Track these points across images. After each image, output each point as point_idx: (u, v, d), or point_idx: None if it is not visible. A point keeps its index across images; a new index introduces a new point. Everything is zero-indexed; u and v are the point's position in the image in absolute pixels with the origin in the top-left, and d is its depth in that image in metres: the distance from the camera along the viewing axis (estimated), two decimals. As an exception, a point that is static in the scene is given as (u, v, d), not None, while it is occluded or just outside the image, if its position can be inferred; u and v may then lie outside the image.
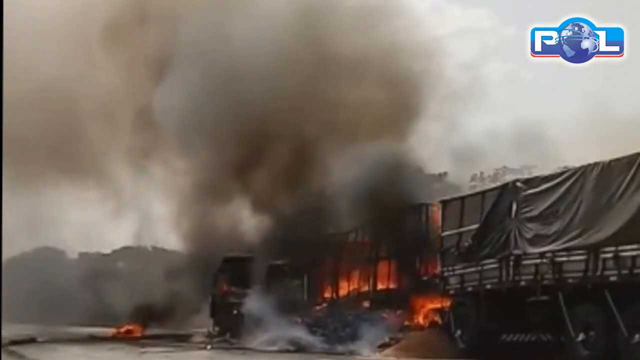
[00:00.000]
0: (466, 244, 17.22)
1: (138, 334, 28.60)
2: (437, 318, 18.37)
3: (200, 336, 26.02)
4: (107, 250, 41.68)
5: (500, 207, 16.67)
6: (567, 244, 15.11)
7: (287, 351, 20.06)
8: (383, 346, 18.46)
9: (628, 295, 13.91)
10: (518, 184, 16.47)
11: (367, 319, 19.88)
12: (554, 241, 15.40)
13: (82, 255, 45.25)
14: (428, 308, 18.75)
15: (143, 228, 29.15)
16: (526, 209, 16.09)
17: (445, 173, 20.09)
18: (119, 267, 39.57)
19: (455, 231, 17.72)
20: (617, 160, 14.65)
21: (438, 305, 18.47)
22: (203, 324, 26.67)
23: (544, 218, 15.70)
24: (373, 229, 21.06)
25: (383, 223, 20.42)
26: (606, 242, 14.40)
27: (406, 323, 18.94)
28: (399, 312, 19.37)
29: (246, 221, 25.50)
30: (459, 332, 17.37)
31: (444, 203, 18.28)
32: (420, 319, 18.73)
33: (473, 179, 19.18)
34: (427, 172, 20.10)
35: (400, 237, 20.00)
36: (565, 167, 15.94)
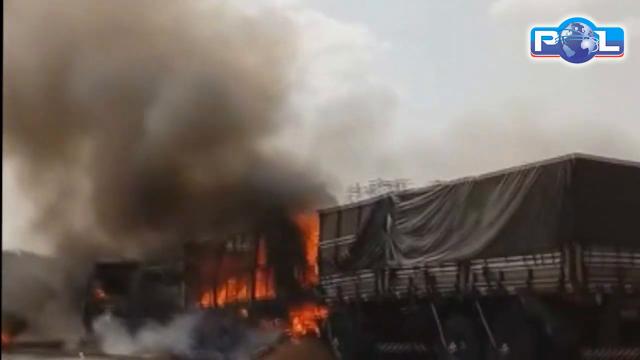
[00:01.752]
0: (343, 255, 17.53)
1: (5, 341, 27.58)
2: (315, 327, 18.64)
3: (73, 344, 25.42)
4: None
5: (376, 219, 17.06)
6: (439, 257, 15.67)
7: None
8: (261, 355, 18.59)
9: (497, 307, 14.59)
10: (393, 197, 16.92)
11: (244, 328, 19.96)
12: (426, 253, 15.92)
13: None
14: (306, 317, 18.99)
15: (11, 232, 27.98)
16: (401, 222, 16.53)
17: (322, 184, 20.36)
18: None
19: (332, 241, 18.01)
20: (487, 176, 15.31)
21: (316, 315, 18.74)
22: (76, 331, 26.03)
23: (417, 231, 16.17)
24: (252, 237, 21.10)
25: (261, 231, 20.50)
26: (476, 255, 15.04)
27: (284, 332, 19.10)
28: (277, 320, 19.53)
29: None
30: (335, 341, 17.70)
31: (322, 214, 18.53)
32: (299, 328, 18.95)
33: (349, 190, 19.57)
34: (305, 182, 20.29)
35: (279, 246, 20.14)
36: (437, 182, 16.47)
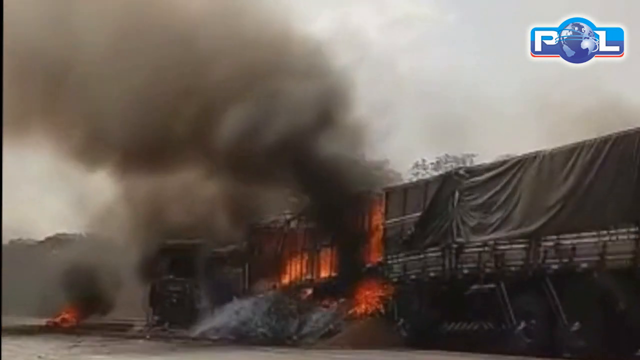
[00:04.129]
0: (409, 232, 17.27)
1: (74, 324, 28.03)
2: (380, 306, 18.39)
3: (140, 325, 25.63)
4: (41, 238, 40.77)
5: (443, 195, 16.76)
6: (509, 233, 15.29)
7: (229, 341, 19.88)
8: (326, 335, 18.43)
9: (568, 283, 14.14)
10: (461, 172, 16.59)
11: (310, 308, 19.83)
12: (495, 230, 15.56)
13: (13, 242, 44.24)
14: (371, 296, 18.75)
15: (76, 213, 28.35)
16: (468, 198, 16.22)
17: (386, 161, 20.07)
18: (52, 254, 38.79)
19: (398, 219, 17.76)
20: (558, 150, 14.86)
21: (381, 294, 18.50)
22: (142, 312, 26.26)
23: (486, 207, 15.84)
24: (315, 216, 20.96)
25: (325, 210, 20.31)
26: (546, 231, 14.61)
27: (349, 312, 18.90)
28: (342, 300, 19.33)
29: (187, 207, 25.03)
30: (401, 320, 17.45)
31: (387, 191, 18.29)
32: (363, 308, 18.72)
33: (415, 166, 19.18)
34: (367, 160, 20.01)
35: (343, 225, 19.93)
36: (507, 156, 16.07)
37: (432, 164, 18.25)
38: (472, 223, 16.02)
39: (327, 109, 20.11)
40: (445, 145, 19.30)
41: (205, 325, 22.37)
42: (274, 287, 22.05)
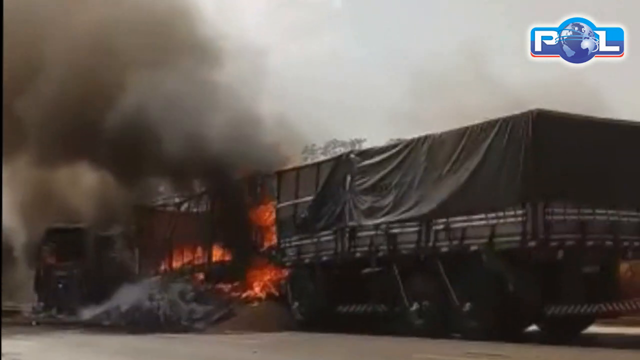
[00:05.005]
0: (302, 215, 17.20)
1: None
2: (274, 290, 18.34)
3: (27, 312, 24.76)
4: None
5: (335, 178, 16.74)
6: (401, 216, 15.42)
7: (118, 326, 19.43)
8: (220, 319, 18.25)
9: (459, 265, 14.42)
10: (352, 155, 16.59)
11: (202, 292, 19.59)
12: (387, 213, 15.66)
13: None
14: (265, 280, 18.67)
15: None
16: (360, 181, 16.24)
17: (277, 144, 19.91)
18: None
19: (290, 203, 17.66)
20: (447, 133, 15.03)
21: (275, 277, 18.43)
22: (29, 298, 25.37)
23: (377, 190, 15.91)
24: (207, 199, 20.64)
25: (217, 193, 20.03)
26: (437, 213, 14.81)
27: (243, 295, 18.77)
28: (235, 284, 19.16)
29: (73, 189, 24.24)
30: (296, 304, 17.45)
31: (279, 174, 18.14)
32: (258, 292, 18.63)
33: (305, 150, 19.07)
34: (260, 142, 19.83)
35: (237, 208, 19.70)
36: (397, 140, 16.16)
37: (320, 148, 18.20)
38: (364, 206, 16.08)
39: (217, 92, 19.80)
40: (333, 130, 19.33)
41: (94, 311, 21.83)
42: (165, 271, 21.68)
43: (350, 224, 16.29)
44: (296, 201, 17.52)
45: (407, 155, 15.55)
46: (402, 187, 15.49)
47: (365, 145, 17.05)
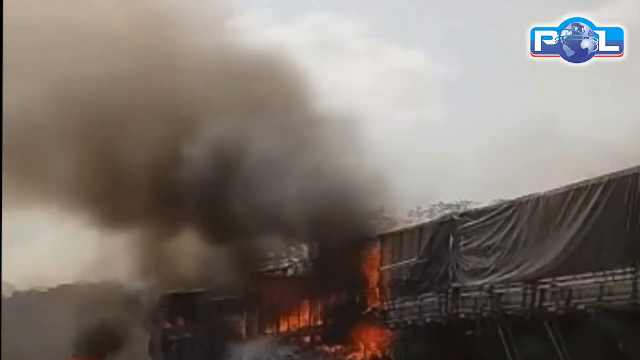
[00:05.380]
0: (406, 277, 17.20)
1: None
2: (378, 352, 18.25)
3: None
4: (44, 289, 40.68)
5: (438, 240, 16.72)
6: (505, 277, 15.20)
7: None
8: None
9: (567, 326, 14.03)
10: (455, 217, 16.57)
11: (308, 355, 19.69)
12: (492, 274, 15.47)
13: (21, 291, 44.14)
14: (369, 342, 18.62)
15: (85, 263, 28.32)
16: (464, 242, 16.17)
17: (381, 209, 20.10)
18: (57, 305, 38.66)
19: (394, 265, 17.70)
20: (552, 193, 14.85)
21: (379, 340, 18.36)
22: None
23: (481, 251, 15.78)
24: (313, 264, 20.91)
25: (323, 258, 20.29)
26: (543, 274, 14.53)
27: (348, 358, 18.76)
28: (340, 346, 19.19)
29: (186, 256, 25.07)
30: (400, 365, 17.33)
31: (382, 237, 18.26)
32: (362, 353, 18.58)
33: (410, 214, 19.19)
34: (363, 208, 20.08)
35: (341, 272, 19.86)
36: (501, 201, 16.07)
37: (426, 211, 18.26)
38: (468, 267, 15.95)
39: (322, 155, 20.32)
40: (439, 193, 19.42)
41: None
42: (273, 334, 21.93)
43: (454, 285, 16.17)
44: (400, 263, 17.56)
45: (511, 215, 15.40)
46: (506, 248, 15.30)
47: (472, 207, 16.99)
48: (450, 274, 16.27)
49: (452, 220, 16.51)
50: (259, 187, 20.38)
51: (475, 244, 15.92)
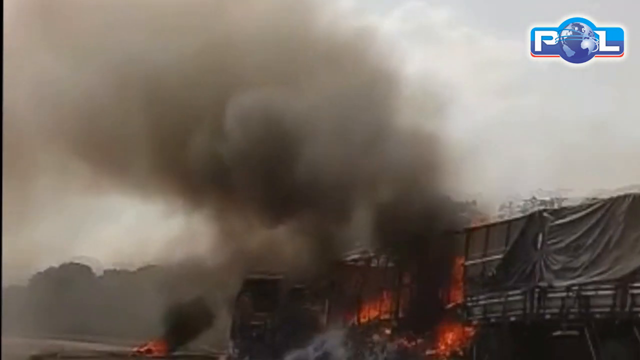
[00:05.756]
0: (490, 273, 16.80)
1: (160, 354, 28.38)
2: (458, 349, 17.90)
3: (224, 358, 25.72)
4: (133, 269, 41.65)
5: (527, 237, 16.26)
6: (595, 278, 14.65)
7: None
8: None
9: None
10: (545, 214, 16.06)
11: (388, 347, 19.49)
12: (581, 274, 14.95)
13: (108, 272, 45.41)
14: (450, 338, 18.28)
15: (172, 245, 28.83)
16: (553, 240, 15.67)
17: (473, 202, 19.66)
18: (145, 285, 39.65)
19: (479, 260, 17.31)
20: (649, 191, 14.22)
21: (461, 336, 18.00)
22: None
23: (571, 250, 15.27)
24: (397, 255, 20.66)
25: (407, 249, 20.01)
26: (636, 276, 13.93)
27: (428, 352, 18.47)
28: (420, 341, 18.92)
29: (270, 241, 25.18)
30: (481, 364, 16.92)
31: (469, 231, 17.88)
32: (442, 349, 18.26)
33: (502, 208, 18.68)
34: (455, 199, 19.71)
35: (425, 264, 19.56)
36: (594, 199, 15.46)
37: (518, 206, 17.70)
38: (556, 267, 15.45)
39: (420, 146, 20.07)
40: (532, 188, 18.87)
41: (285, 359, 22.30)
42: (353, 324, 21.80)
43: (541, 284, 15.67)
44: (485, 259, 17.15)
45: (603, 214, 14.83)
46: (597, 248, 14.75)
47: (564, 204, 16.42)
48: (537, 272, 15.78)
49: (542, 216, 15.99)
50: (349, 175, 20.25)
51: (564, 243, 15.40)
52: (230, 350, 25.74)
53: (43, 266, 41.98)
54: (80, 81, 22.81)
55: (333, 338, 21.15)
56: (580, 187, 17.06)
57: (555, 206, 16.61)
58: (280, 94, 21.40)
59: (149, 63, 22.28)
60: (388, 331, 20.34)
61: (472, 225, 18.08)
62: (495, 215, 18.77)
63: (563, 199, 16.95)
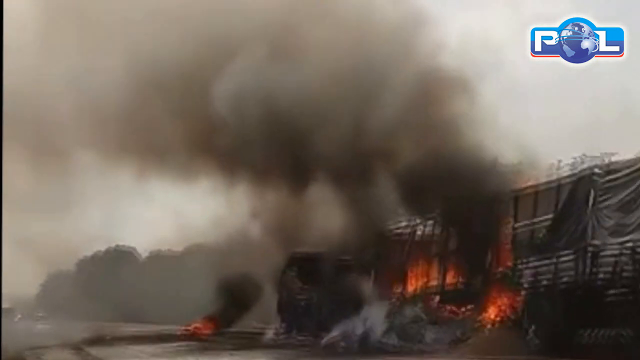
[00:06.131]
0: (540, 235, 16.42)
1: (208, 332, 28.47)
2: (509, 314, 17.55)
3: (271, 334, 25.71)
4: (179, 248, 41.84)
5: (577, 196, 15.88)
6: (649, 234, 14.24)
7: (355, 349, 19.56)
8: (454, 343, 17.76)
9: None
10: (596, 171, 15.64)
11: (437, 315, 19.23)
12: (634, 230, 14.57)
13: (153, 254, 45.71)
14: (500, 303, 17.92)
15: (214, 224, 28.88)
16: (605, 198, 15.29)
17: (520, 163, 19.17)
18: (190, 265, 39.80)
19: (528, 222, 16.95)
20: None
21: (511, 300, 17.64)
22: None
23: (624, 207, 14.90)
24: (442, 222, 20.33)
25: (453, 215, 19.67)
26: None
27: (478, 319, 18.15)
28: (469, 307, 18.60)
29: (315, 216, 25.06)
30: (532, 328, 16.56)
31: (517, 193, 17.51)
32: (492, 315, 17.92)
33: (550, 168, 18.19)
34: (501, 161, 19.27)
35: (472, 230, 19.20)
36: (646, 153, 14.99)
37: (567, 164, 17.19)
38: (609, 224, 15.06)
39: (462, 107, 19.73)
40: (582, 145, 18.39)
41: (332, 333, 22.16)
42: (401, 293, 21.57)
43: (593, 242, 15.28)
44: (534, 220, 16.79)
45: (656, 169, 14.41)
46: (651, 203, 14.34)
47: (615, 160, 15.97)
48: (589, 231, 15.40)
49: (593, 174, 15.58)
50: (389, 144, 19.97)
51: (616, 199, 15.04)
52: (277, 325, 25.75)
53: (89, 252, 42.53)
54: (119, 76, 23.12)
55: (380, 310, 20.92)
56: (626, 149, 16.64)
57: (606, 162, 16.19)
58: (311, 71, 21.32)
59: (182, 58, 22.43)
60: (436, 299, 20.09)
61: (520, 186, 17.65)
62: (543, 174, 18.32)
63: (613, 154, 16.49)
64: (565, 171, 16.78)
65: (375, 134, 19.74)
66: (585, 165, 16.21)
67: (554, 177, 17.03)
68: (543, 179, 17.38)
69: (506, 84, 21.52)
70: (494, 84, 20.47)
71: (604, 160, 15.93)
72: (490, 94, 19.99)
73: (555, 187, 16.62)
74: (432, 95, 20.00)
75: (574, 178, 16.25)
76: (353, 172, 21.23)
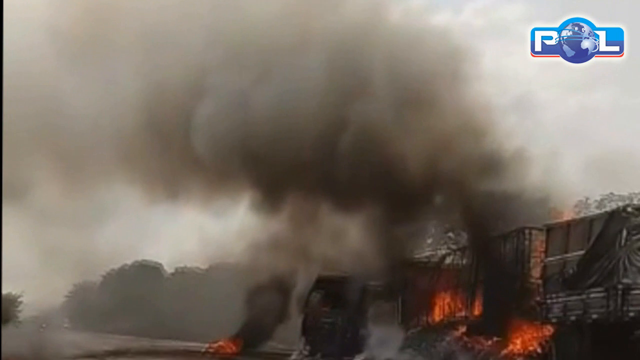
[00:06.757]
0: (571, 271, 16.41)
1: (232, 351, 28.56)
2: (537, 348, 17.51)
3: (295, 355, 25.77)
4: (204, 266, 42.06)
5: (609, 233, 15.81)
6: (681, 275, 14.21)
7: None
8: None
9: None
10: (629, 209, 15.62)
11: (462, 345, 19.22)
12: (666, 270, 14.52)
13: (178, 270, 46.04)
14: (527, 337, 17.90)
15: (237, 243, 29.07)
16: (637, 237, 15.23)
17: (547, 197, 19.29)
18: (213, 283, 39.94)
19: (559, 257, 16.94)
20: None
21: (539, 334, 17.62)
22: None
23: (656, 247, 14.82)
24: (472, 253, 20.38)
25: (483, 247, 19.73)
26: None
27: (504, 352, 18.12)
28: (496, 339, 18.58)
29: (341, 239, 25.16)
30: (560, 363, 16.53)
31: (549, 228, 17.52)
32: (519, 348, 17.89)
33: (577, 205, 18.27)
34: (528, 196, 19.39)
35: (500, 262, 19.25)
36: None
37: (595, 201, 17.26)
38: (640, 263, 15.01)
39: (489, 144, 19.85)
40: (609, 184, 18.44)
41: (356, 358, 22.22)
42: (427, 322, 21.59)
43: (624, 281, 15.25)
44: (565, 256, 16.78)
45: (690, 210, 14.40)
46: (684, 245, 14.31)
47: (642, 200, 16.04)
48: (621, 269, 15.34)
49: (626, 212, 15.55)
50: (420, 174, 20.12)
51: (648, 239, 14.96)
52: (301, 347, 25.80)
53: (115, 265, 42.91)
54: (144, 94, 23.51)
55: (407, 337, 20.96)
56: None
57: (634, 202, 16.21)
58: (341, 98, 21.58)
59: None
60: (463, 329, 20.08)
61: (552, 221, 17.69)
62: (571, 211, 18.39)
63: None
64: (593, 208, 16.83)
65: (416, 163, 19.88)
66: (612, 204, 16.23)
67: (584, 213, 17.09)
68: (573, 215, 17.43)
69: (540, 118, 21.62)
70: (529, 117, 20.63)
71: (632, 200, 15.98)
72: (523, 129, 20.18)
73: (587, 223, 16.62)
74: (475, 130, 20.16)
75: (606, 215, 16.25)
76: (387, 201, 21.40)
